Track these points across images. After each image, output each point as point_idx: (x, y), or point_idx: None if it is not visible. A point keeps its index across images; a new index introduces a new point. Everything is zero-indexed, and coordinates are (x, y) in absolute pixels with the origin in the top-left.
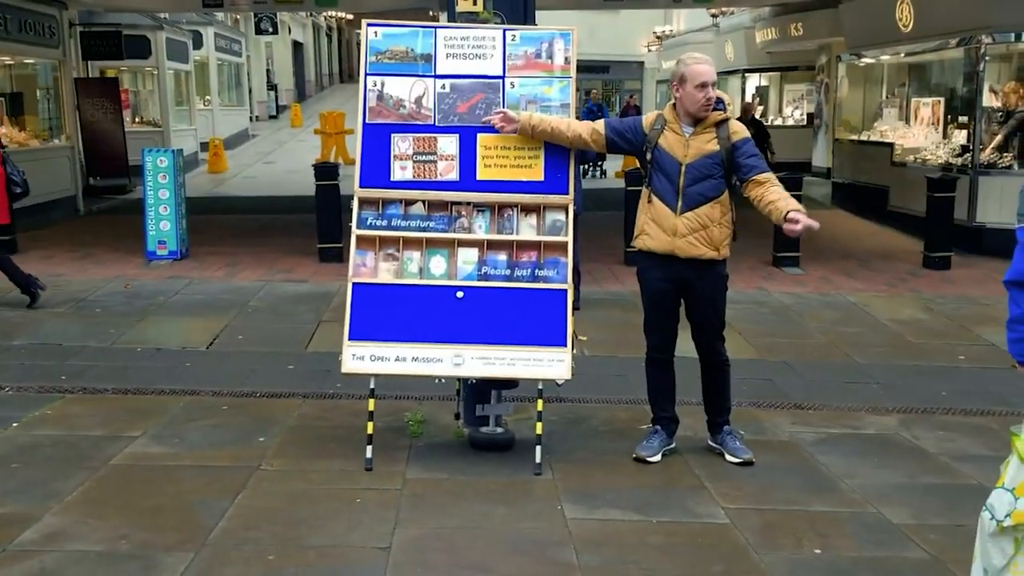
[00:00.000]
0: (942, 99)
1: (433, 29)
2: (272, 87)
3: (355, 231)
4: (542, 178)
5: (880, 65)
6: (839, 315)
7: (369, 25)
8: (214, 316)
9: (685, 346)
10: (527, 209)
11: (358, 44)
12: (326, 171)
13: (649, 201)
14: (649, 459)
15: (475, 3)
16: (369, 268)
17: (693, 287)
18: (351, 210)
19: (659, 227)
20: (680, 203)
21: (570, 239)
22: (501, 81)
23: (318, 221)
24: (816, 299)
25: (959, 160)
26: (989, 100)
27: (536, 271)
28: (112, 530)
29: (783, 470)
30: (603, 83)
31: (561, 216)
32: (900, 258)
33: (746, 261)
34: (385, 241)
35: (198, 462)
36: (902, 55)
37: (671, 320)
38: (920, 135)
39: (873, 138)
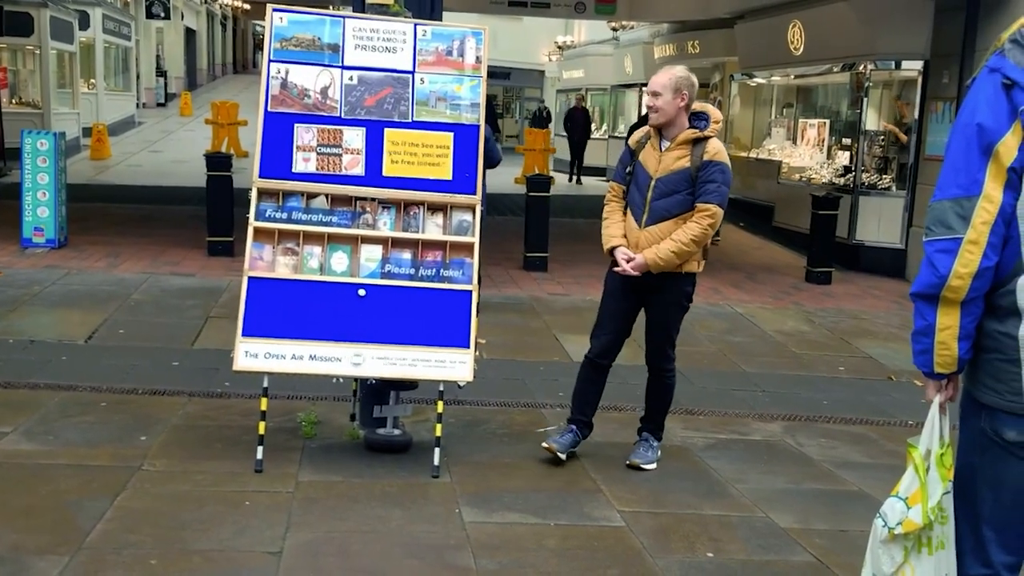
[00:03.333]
0: (828, 121)
1: (342, 19)
2: (162, 74)
3: (252, 223)
4: (450, 177)
5: (770, 86)
6: (727, 325)
7: (275, 10)
8: (94, 308)
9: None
10: (434, 208)
11: (254, 35)
12: (219, 161)
13: (625, 212)
14: (559, 453)
15: None
16: (266, 262)
17: (649, 299)
18: (246, 202)
19: (628, 236)
20: (645, 216)
21: (476, 240)
22: (411, 76)
23: (208, 213)
24: (705, 309)
25: (842, 180)
26: (872, 123)
27: (441, 271)
28: None
29: (676, 474)
30: (504, 89)
31: (468, 216)
32: (784, 272)
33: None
34: (284, 235)
35: (74, 460)
36: (791, 77)
37: (620, 323)
38: (806, 155)
39: (761, 156)
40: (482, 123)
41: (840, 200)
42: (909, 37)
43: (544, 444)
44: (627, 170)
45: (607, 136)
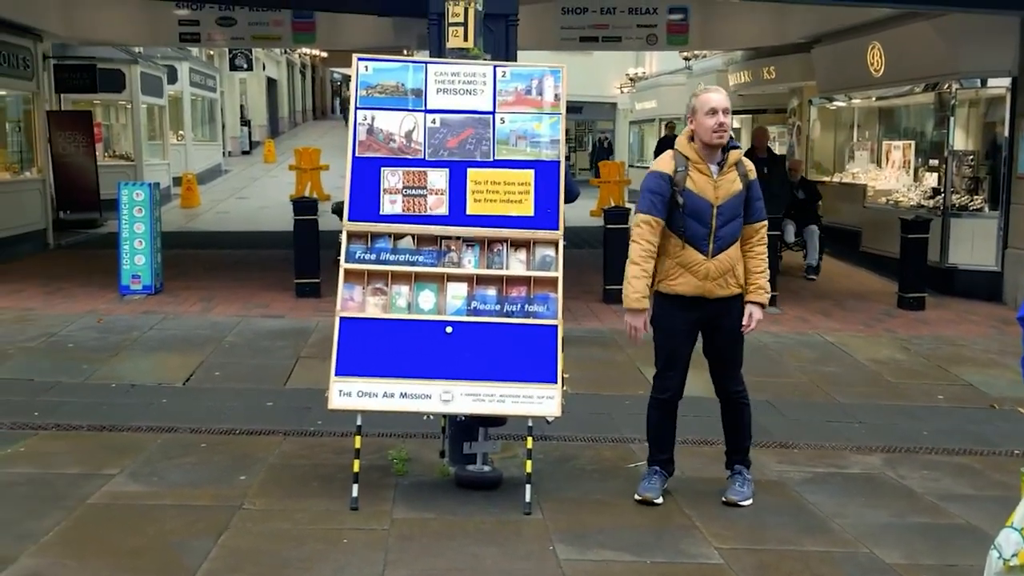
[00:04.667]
0: (912, 142)
1: (424, 64)
2: (245, 123)
3: (343, 264)
4: (532, 213)
5: (851, 108)
6: (817, 354)
7: (360, 59)
8: (190, 352)
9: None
10: (517, 244)
11: (332, 82)
12: (305, 206)
13: (682, 248)
14: (655, 500)
15: (466, 40)
16: (357, 302)
17: (719, 324)
18: (331, 244)
19: (689, 272)
20: (712, 246)
21: (560, 275)
22: (491, 116)
23: (296, 256)
24: (794, 338)
25: (931, 202)
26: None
27: (526, 306)
28: (91, 572)
29: (773, 510)
30: (576, 123)
31: (551, 251)
32: (875, 299)
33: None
34: (373, 275)
35: (178, 501)
36: (873, 99)
37: (686, 364)
38: (892, 177)
39: (845, 180)
40: (562, 159)
41: (930, 223)
42: (995, 54)
43: (637, 496)
44: (678, 201)
45: None
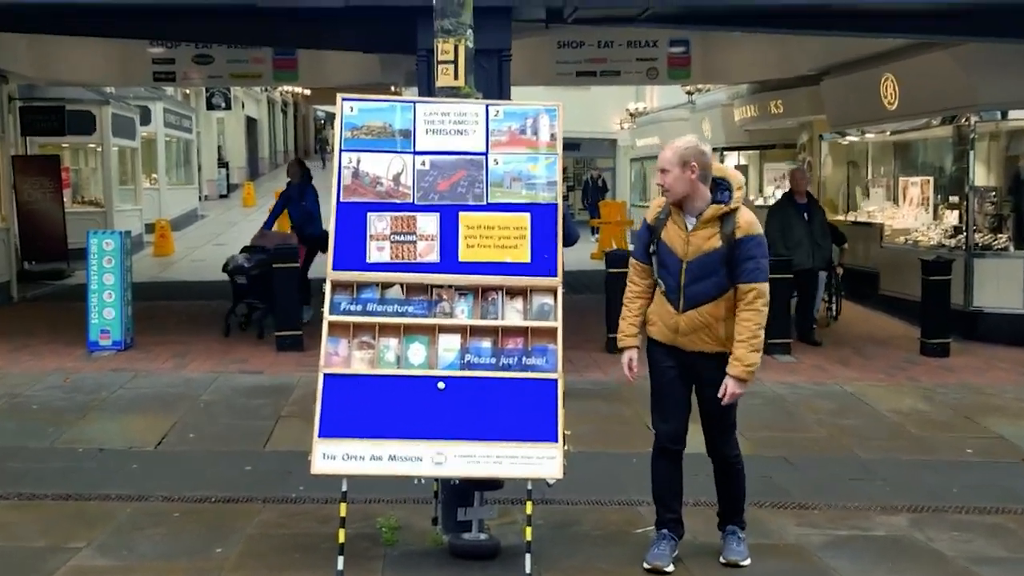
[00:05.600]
0: (931, 178)
1: (412, 104)
2: (223, 165)
3: (327, 317)
4: (529, 259)
5: (864, 143)
6: (836, 406)
7: (345, 100)
8: (162, 412)
9: (691, 440)
10: (513, 292)
11: (315, 120)
12: (285, 253)
13: (660, 296)
14: (665, 569)
15: (456, 78)
16: (342, 357)
17: (701, 378)
18: (316, 293)
19: (663, 321)
20: (681, 301)
21: (559, 324)
22: (484, 158)
23: (276, 307)
24: (811, 389)
25: (952, 241)
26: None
27: (524, 359)
28: None
29: None
30: (574, 161)
31: (549, 299)
32: (895, 345)
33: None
34: (359, 328)
35: None
36: (887, 133)
37: (680, 408)
38: (909, 216)
39: (860, 219)
40: (560, 201)
41: (952, 263)
42: (1016, 84)
43: (646, 565)
44: (650, 249)
45: None
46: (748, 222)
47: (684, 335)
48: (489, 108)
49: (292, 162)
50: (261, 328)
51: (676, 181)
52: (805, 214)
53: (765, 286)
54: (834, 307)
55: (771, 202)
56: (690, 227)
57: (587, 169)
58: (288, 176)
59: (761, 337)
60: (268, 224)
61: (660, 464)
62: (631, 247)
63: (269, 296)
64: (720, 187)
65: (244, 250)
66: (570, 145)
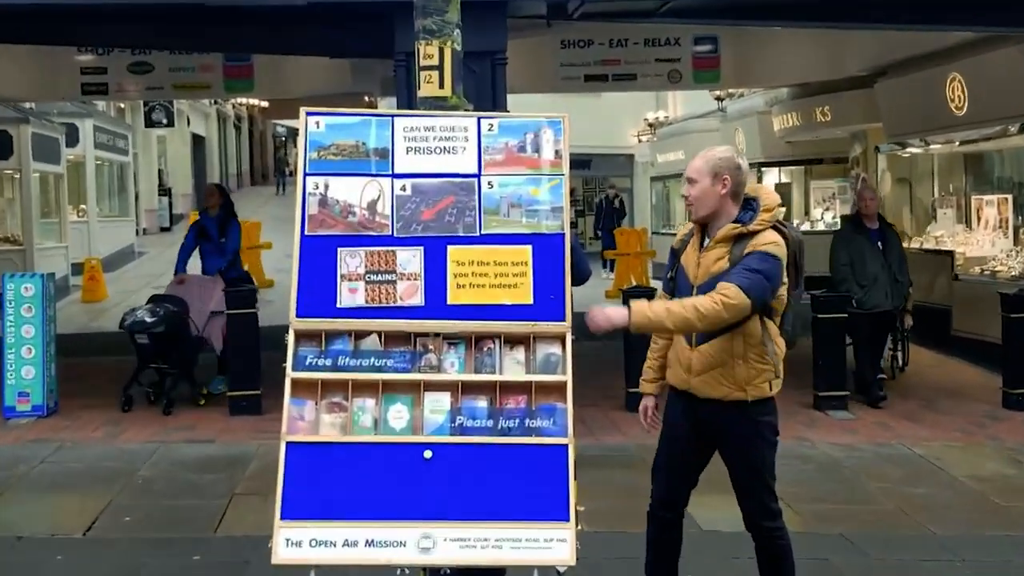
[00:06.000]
0: (1009, 196)
1: (390, 118)
2: (165, 192)
3: (290, 373)
4: (531, 300)
5: (929, 156)
6: (904, 472)
7: (309, 114)
8: (93, 491)
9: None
10: (513, 340)
11: (275, 138)
12: (240, 297)
13: None
14: None
15: (442, 87)
16: (308, 422)
17: (718, 432)
18: (275, 345)
19: (677, 360)
20: (695, 334)
21: (569, 378)
22: (476, 180)
23: (230, 361)
24: (872, 451)
25: None
26: None
27: (527, 420)
28: None
29: None
30: (583, 181)
31: (557, 348)
32: (973, 396)
33: (782, 404)
34: (329, 386)
35: None
36: (956, 143)
37: (680, 470)
38: (986, 241)
39: (928, 246)
40: (567, 230)
41: None
42: None
43: None
44: (669, 275)
45: None
46: (765, 243)
47: (697, 375)
48: (482, 121)
49: (210, 188)
50: (170, 401)
51: (704, 195)
52: (879, 243)
53: (739, 294)
54: (900, 354)
55: (819, 226)
56: (703, 248)
57: (600, 189)
58: (206, 204)
59: (685, 319)
60: (180, 266)
61: (649, 531)
62: (657, 285)
63: (182, 360)
64: (747, 207)
65: (151, 300)
66: (579, 163)
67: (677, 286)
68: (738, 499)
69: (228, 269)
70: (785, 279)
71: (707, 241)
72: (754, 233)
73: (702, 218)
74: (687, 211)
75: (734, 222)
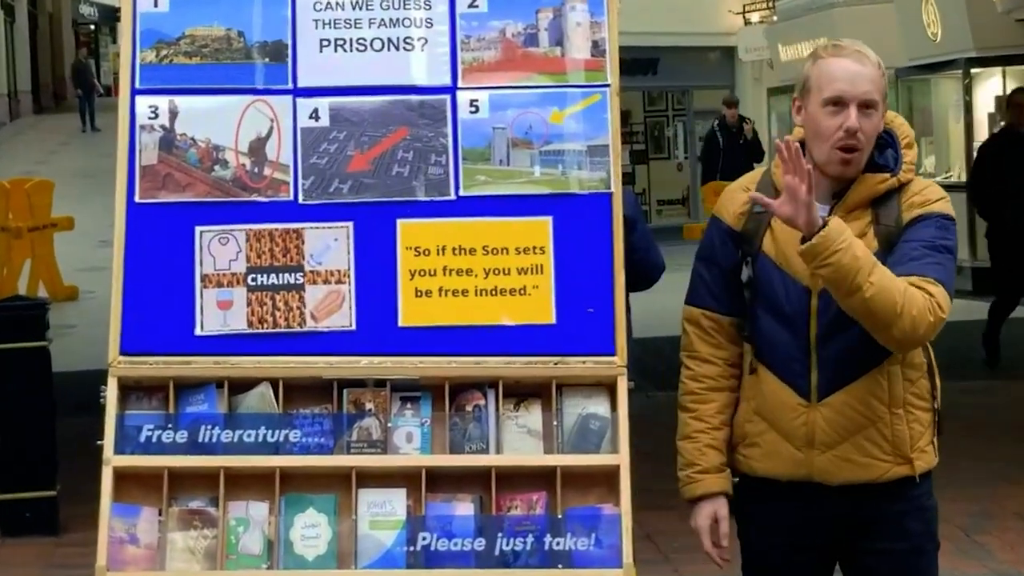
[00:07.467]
0: None
1: None
2: None
3: (111, 458)
4: (552, 318)
5: None
6: None
7: None
8: None
9: None
10: (520, 393)
11: (77, 24)
12: (16, 320)
13: (753, 371)
14: None
15: None
16: (145, 547)
17: (861, 545)
18: (86, 406)
19: (775, 428)
20: (816, 376)
21: (625, 459)
22: (449, 98)
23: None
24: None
25: None
26: None
27: (547, 540)
28: None
29: None
30: (644, 94)
31: (602, 407)
32: None
33: (951, 497)
34: (182, 480)
35: None
36: None
37: None
38: None
39: None
40: (617, 188)
41: None
42: None
43: None
44: (743, 277)
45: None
46: (934, 199)
47: (828, 448)
48: None
49: None
50: None
51: (877, 128)
52: None
53: (942, 292)
54: None
55: None
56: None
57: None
58: None
59: (889, 289)
60: None
61: None
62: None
63: None
64: (879, 143)
65: None
66: (638, 64)
67: (764, 296)
68: None
69: None
70: None
71: (825, 207)
72: (902, 186)
73: (845, 172)
74: (838, 161)
75: (872, 169)
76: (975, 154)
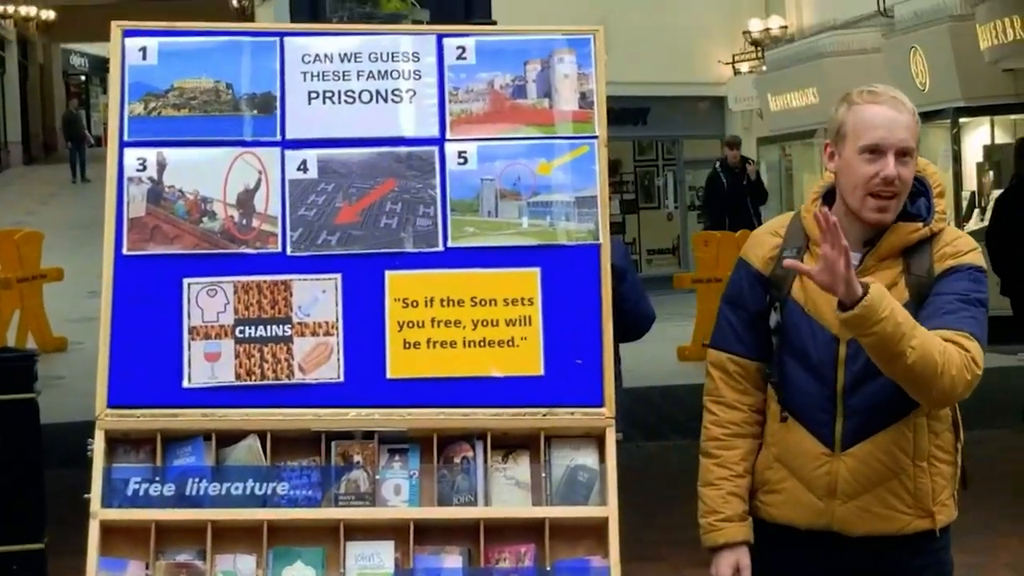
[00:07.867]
0: None
1: (277, 38)
2: None
3: (98, 511)
4: (540, 370)
5: None
6: None
7: (128, 34)
8: None
9: None
10: (508, 444)
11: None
12: (5, 372)
13: (783, 420)
14: None
15: None
16: None
17: None
18: (83, 459)
19: (796, 476)
20: (840, 426)
21: (613, 511)
22: (437, 150)
23: None
24: None
25: None
26: None
27: None
28: None
29: None
30: (634, 144)
31: (590, 458)
32: None
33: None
34: (170, 532)
35: None
36: None
37: None
38: None
39: None
40: (605, 238)
41: None
42: None
43: None
44: (771, 322)
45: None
46: (966, 250)
47: (849, 498)
48: (445, 42)
49: None
50: None
51: (911, 179)
52: None
53: (977, 347)
54: None
55: None
56: (855, 264)
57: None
58: None
59: (930, 352)
60: None
61: None
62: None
63: None
64: (912, 192)
65: None
66: (628, 114)
67: (790, 344)
68: None
69: None
70: None
71: (856, 255)
72: (934, 235)
73: (883, 220)
74: (874, 208)
75: (904, 218)
76: (991, 205)
